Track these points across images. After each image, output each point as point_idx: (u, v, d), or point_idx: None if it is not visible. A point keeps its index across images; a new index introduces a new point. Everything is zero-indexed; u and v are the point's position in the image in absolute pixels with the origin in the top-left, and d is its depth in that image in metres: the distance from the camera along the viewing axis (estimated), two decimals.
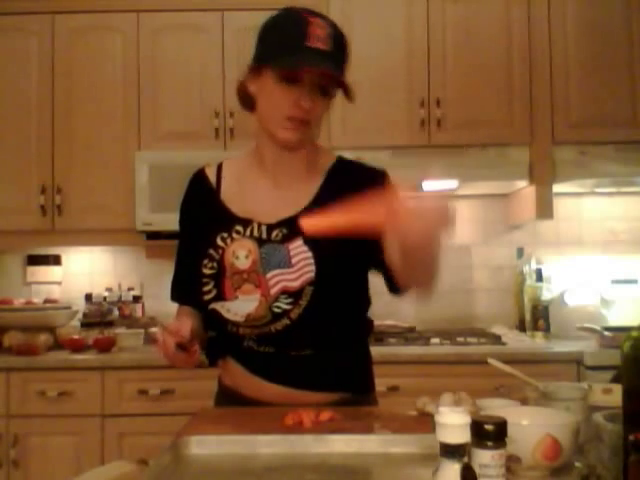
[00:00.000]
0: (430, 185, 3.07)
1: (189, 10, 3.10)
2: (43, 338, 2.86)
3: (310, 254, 1.33)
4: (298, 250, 1.34)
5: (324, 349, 1.39)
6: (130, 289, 3.27)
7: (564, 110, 2.99)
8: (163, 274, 3.14)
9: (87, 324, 3.11)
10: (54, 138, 3.08)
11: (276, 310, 1.34)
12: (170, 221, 2.94)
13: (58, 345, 2.92)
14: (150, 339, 3.00)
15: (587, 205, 3.32)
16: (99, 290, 3.27)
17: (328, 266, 1.34)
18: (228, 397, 1.50)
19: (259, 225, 1.38)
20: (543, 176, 2.97)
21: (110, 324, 3.10)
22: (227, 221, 1.40)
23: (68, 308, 3.09)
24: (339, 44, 1.34)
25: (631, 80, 2.99)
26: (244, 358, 1.42)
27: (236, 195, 1.44)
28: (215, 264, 1.37)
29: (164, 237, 2.97)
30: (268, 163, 1.43)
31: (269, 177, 1.44)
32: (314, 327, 1.36)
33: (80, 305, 3.20)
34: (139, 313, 3.22)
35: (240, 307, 1.35)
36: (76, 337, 2.89)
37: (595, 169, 2.97)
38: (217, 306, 1.38)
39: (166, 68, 3.09)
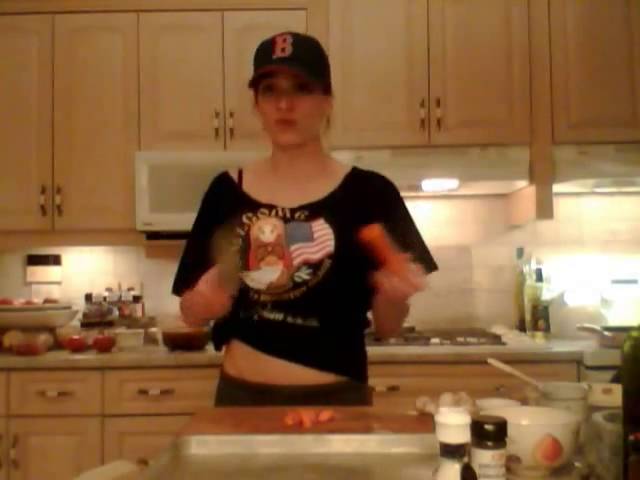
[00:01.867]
0: (429, 185, 3.08)
1: (189, 10, 3.10)
2: (43, 338, 2.86)
3: (330, 230, 1.49)
4: (320, 227, 1.49)
5: (329, 323, 1.49)
6: (130, 289, 3.27)
7: (564, 110, 2.99)
8: (163, 274, 3.15)
9: (87, 324, 3.11)
10: (54, 138, 3.08)
11: (297, 280, 1.47)
12: (170, 221, 2.98)
13: (58, 345, 2.92)
14: (150, 339, 3.00)
15: (587, 205, 3.32)
16: (99, 290, 3.27)
17: (346, 242, 1.47)
18: (231, 388, 1.55)
19: (282, 208, 1.53)
20: (543, 176, 2.97)
21: (110, 324, 3.10)
22: (252, 205, 1.55)
23: (68, 308, 3.09)
24: (301, 48, 1.49)
25: (631, 80, 2.99)
26: (252, 334, 1.51)
27: (257, 189, 1.59)
28: (240, 240, 1.50)
29: (164, 237, 2.97)
30: (282, 166, 1.59)
31: (286, 178, 1.58)
32: (326, 298, 1.48)
33: (80, 305, 3.20)
34: (139, 313, 3.22)
35: (263, 276, 1.48)
36: (76, 337, 2.89)
37: (595, 169, 2.96)
38: (242, 275, 1.49)
39: (166, 68, 3.09)
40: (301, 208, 1.52)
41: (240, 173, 1.63)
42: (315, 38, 1.60)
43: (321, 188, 1.56)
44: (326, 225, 1.49)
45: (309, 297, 1.47)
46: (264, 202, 1.54)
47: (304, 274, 1.47)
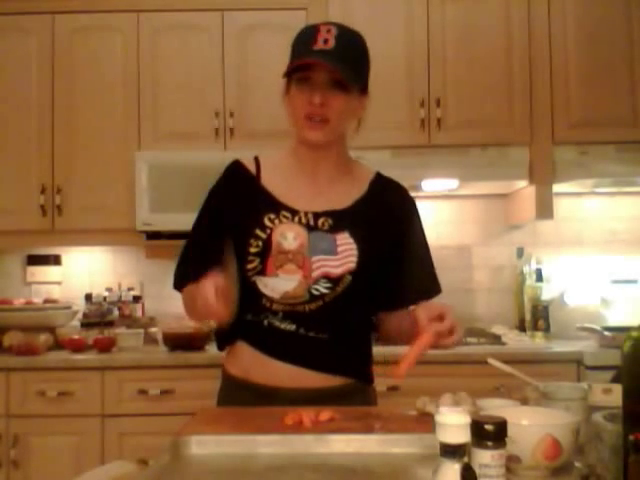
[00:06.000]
0: (429, 185, 3.08)
1: (189, 10, 3.10)
2: (43, 338, 2.86)
3: (355, 246, 1.44)
4: (344, 241, 1.44)
5: (340, 335, 1.47)
6: (130, 289, 3.27)
7: (564, 110, 2.99)
8: (163, 274, 3.15)
9: (87, 324, 3.11)
10: (54, 138, 3.08)
11: (314, 292, 1.43)
12: (170, 221, 2.98)
13: (58, 345, 2.92)
14: (150, 338, 3.00)
15: (587, 205, 3.32)
16: (99, 290, 3.27)
17: (368, 260, 1.44)
18: (234, 387, 1.52)
19: (305, 213, 1.46)
20: (543, 176, 2.97)
21: (110, 324, 3.10)
22: (273, 205, 1.48)
23: (68, 308, 3.09)
24: (345, 42, 1.40)
25: (631, 80, 2.99)
26: (260, 338, 1.47)
27: (278, 186, 1.51)
28: (260, 242, 1.44)
29: (164, 237, 2.97)
30: (306, 163, 1.51)
31: (309, 176, 1.51)
32: (341, 313, 1.45)
33: (80, 305, 3.20)
34: (139, 313, 3.22)
35: (278, 284, 1.43)
36: (76, 337, 2.89)
37: (595, 169, 2.97)
38: (256, 279, 1.45)
39: (166, 68, 3.09)
40: (325, 214, 1.46)
41: (257, 164, 1.54)
42: (360, 33, 1.47)
43: (346, 193, 1.51)
44: (351, 240, 1.44)
45: (325, 311, 1.44)
46: (286, 203, 1.47)
47: (322, 287, 1.42)
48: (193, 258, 1.53)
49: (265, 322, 1.45)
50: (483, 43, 3.02)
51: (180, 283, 1.54)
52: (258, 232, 1.44)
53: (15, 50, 3.11)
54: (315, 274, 1.42)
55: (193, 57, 3.09)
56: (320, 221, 1.46)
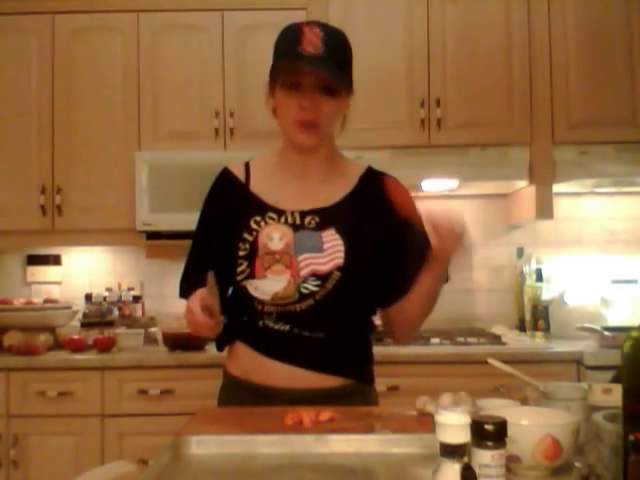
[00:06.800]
0: (429, 185, 3.08)
1: (189, 10, 3.10)
2: (43, 338, 2.86)
3: (341, 242, 1.44)
4: (330, 237, 1.45)
5: (336, 334, 1.46)
6: (130, 289, 3.27)
7: (564, 110, 2.99)
8: (163, 274, 3.15)
9: (87, 324, 3.11)
10: (54, 138, 3.08)
11: (304, 291, 1.43)
12: (170, 221, 2.98)
13: (58, 345, 2.92)
14: (150, 338, 3.00)
15: (587, 205, 3.32)
16: (99, 290, 3.27)
17: (356, 255, 1.44)
18: (234, 387, 1.53)
19: (292, 213, 1.47)
20: (543, 176, 2.97)
21: (110, 324, 3.10)
22: (260, 208, 1.49)
23: (68, 308, 3.09)
24: (333, 46, 1.41)
25: (631, 80, 2.99)
26: (257, 339, 1.48)
27: (266, 189, 1.52)
28: (248, 245, 1.45)
29: (164, 237, 2.97)
30: (295, 165, 1.52)
31: (297, 177, 1.52)
32: (334, 311, 1.45)
33: (80, 305, 3.20)
34: (139, 313, 3.22)
35: (268, 286, 1.43)
36: (76, 337, 2.89)
37: (595, 169, 2.97)
38: (246, 283, 1.45)
39: (166, 68, 3.09)
40: (312, 212, 1.47)
41: (247, 170, 1.55)
42: (344, 32, 1.48)
43: (334, 190, 1.51)
44: (337, 236, 1.44)
45: (316, 310, 1.43)
46: (273, 204, 1.48)
47: (311, 285, 1.42)
48: (194, 268, 1.56)
49: (260, 323, 1.47)
50: (483, 43, 3.02)
51: (185, 291, 1.55)
52: (245, 235, 1.46)
53: (15, 50, 3.10)
54: (303, 272, 1.42)
55: (193, 57, 3.09)
56: (307, 219, 1.46)
